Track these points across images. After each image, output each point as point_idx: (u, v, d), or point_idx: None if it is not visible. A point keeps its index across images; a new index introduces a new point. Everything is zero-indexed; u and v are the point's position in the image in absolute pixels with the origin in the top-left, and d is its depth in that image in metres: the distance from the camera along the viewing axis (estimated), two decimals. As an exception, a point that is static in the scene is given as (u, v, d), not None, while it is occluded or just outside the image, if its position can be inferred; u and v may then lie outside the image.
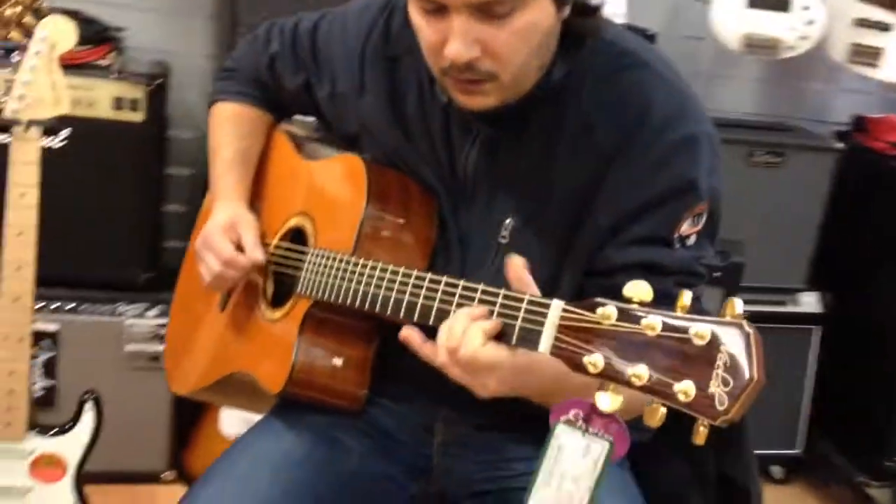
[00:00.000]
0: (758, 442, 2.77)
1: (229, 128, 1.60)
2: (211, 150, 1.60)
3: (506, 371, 1.11)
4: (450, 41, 1.18)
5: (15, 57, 1.73)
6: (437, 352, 1.15)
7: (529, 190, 1.32)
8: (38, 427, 1.76)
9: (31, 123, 1.68)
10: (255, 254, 1.47)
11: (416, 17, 1.23)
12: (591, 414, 1.02)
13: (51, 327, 2.38)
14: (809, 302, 2.87)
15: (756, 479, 1.55)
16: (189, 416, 2.48)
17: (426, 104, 1.39)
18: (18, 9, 1.49)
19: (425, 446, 1.43)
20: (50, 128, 1.72)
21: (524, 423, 1.26)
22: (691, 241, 1.27)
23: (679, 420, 1.49)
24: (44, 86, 1.70)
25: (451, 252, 1.37)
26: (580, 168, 1.29)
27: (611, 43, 1.32)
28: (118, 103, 2.36)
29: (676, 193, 1.26)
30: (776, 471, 2.95)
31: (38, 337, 2.34)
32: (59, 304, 2.40)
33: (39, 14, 1.69)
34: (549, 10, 1.21)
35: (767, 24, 2.75)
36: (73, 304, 2.40)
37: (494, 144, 1.34)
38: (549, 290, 1.32)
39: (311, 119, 1.63)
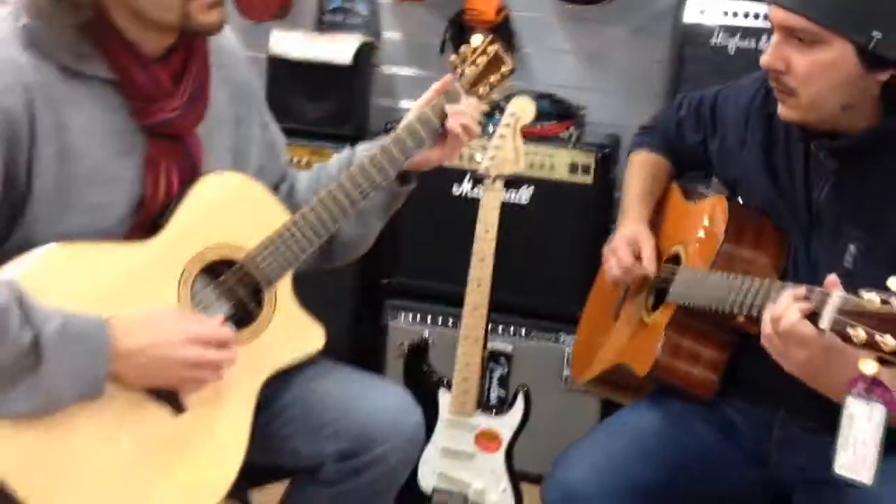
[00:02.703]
0: None
1: (640, 171, 2.03)
2: (624, 188, 2.04)
3: (815, 348, 1.37)
4: (766, 51, 1.55)
5: (490, 128, 2.30)
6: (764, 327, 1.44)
7: (870, 221, 1.58)
8: (483, 406, 2.27)
9: (497, 177, 2.22)
10: (650, 266, 1.87)
11: None
12: (872, 386, 1.31)
13: (507, 348, 2.91)
14: None
15: None
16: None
17: (791, 149, 1.71)
18: (487, 88, 1.98)
19: (764, 440, 1.70)
20: (510, 182, 2.24)
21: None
22: None
23: None
24: (508, 149, 2.22)
25: (802, 281, 1.65)
26: None
27: None
28: (573, 168, 2.85)
29: None
30: None
31: (497, 356, 2.89)
32: (514, 329, 2.91)
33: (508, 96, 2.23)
34: (851, 61, 1.50)
35: None
36: (525, 331, 2.90)
37: (842, 179, 1.62)
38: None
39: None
